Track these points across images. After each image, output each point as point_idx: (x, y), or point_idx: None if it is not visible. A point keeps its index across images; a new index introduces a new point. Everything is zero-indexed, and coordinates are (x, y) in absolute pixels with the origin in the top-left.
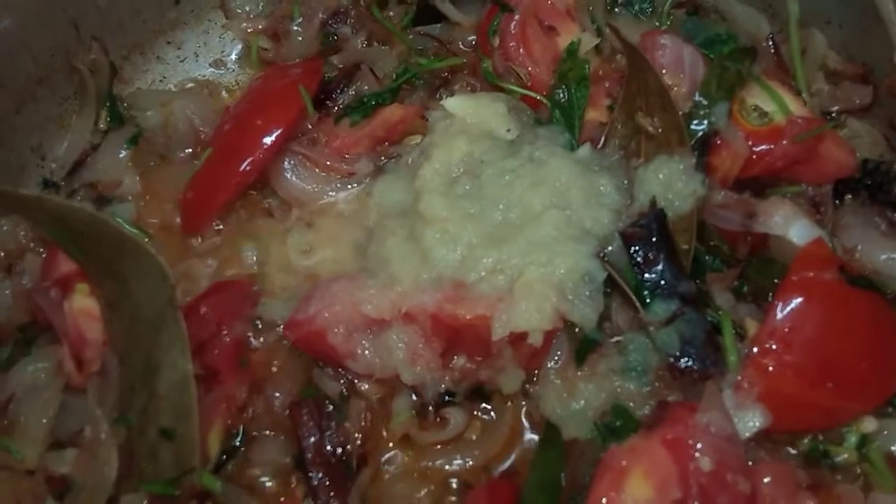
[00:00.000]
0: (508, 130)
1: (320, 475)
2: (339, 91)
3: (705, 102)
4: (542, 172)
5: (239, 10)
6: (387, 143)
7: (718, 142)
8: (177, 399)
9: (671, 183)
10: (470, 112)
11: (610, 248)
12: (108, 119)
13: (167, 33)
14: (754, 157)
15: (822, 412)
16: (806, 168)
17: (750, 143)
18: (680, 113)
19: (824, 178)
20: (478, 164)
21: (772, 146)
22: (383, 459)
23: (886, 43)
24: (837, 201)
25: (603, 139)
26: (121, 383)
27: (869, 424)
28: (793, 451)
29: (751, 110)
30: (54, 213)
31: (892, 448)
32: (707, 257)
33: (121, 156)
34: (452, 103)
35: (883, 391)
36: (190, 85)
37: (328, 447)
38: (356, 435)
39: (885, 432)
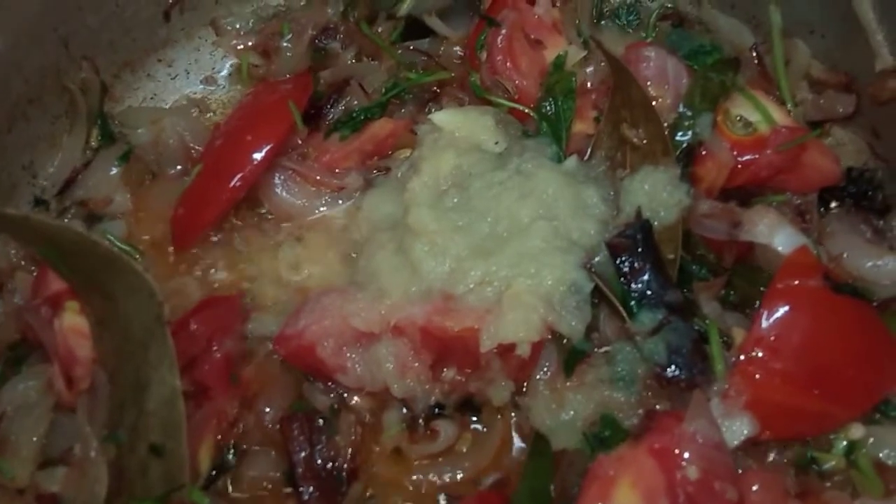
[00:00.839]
0: (496, 143)
1: (311, 489)
2: (328, 106)
3: (689, 113)
4: (529, 184)
5: (229, 28)
6: (376, 158)
7: (703, 152)
8: (166, 415)
9: (656, 193)
10: (458, 125)
11: (597, 258)
12: (100, 137)
13: (158, 51)
14: (739, 166)
15: (810, 419)
16: (791, 177)
17: (735, 152)
18: (664, 124)
19: (809, 186)
20: (466, 176)
21: (756, 156)
22: (374, 473)
23: (868, 52)
24: (822, 209)
25: (589, 151)
26: (110, 401)
27: (857, 431)
28: (781, 459)
29: (735, 120)
30: (42, 232)
31: (881, 454)
32: (693, 267)
33: (112, 173)
34: (441, 117)
35: (870, 398)
36: (181, 102)
37: (319, 461)
38: (347, 449)
39: (873, 439)
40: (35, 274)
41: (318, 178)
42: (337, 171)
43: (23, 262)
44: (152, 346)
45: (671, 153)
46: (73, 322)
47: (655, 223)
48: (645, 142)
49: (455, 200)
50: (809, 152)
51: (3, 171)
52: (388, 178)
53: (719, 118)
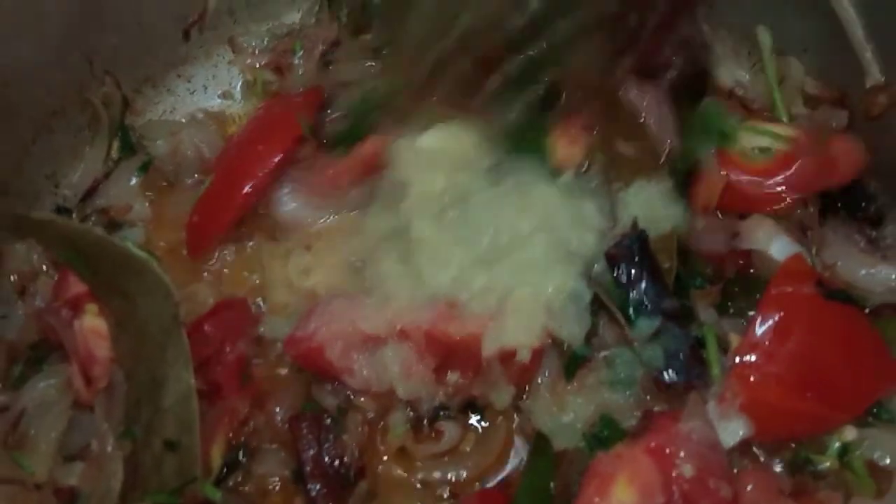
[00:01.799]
0: (482, 158)
1: (319, 487)
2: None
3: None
4: (527, 199)
5: (245, 45)
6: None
7: (700, 172)
8: (181, 412)
9: (651, 205)
10: (445, 145)
11: (596, 268)
12: (121, 148)
13: (178, 67)
14: (781, 187)
15: (804, 421)
16: (831, 172)
17: (770, 180)
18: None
19: (848, 175)
20: (465, 192)
21: (792, 169)
22: (380, 471)
23: (859, 68)
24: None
25: (585, 166)
26: (127, 398)
27: (850, 433)
28: (776, 460)
29: (752, 152)
30: (64, 234)
31: (874, 456)
32: (690, 277)
33: (131, 183)
34: (428, 141)
35: (862, 401)
36: (199, 116)
37: (326, 459)
38: (354, 448)
39: (866, 441)
40: (56, 278)
41: (324, 188)
42: (342, 182)
43: (44, 267)
44: (169, 346)
45: (662, 167)
46: (92, 323)
47: (651, 234)
48: (637, 155)
49: (456, 214)
50: (835, 144)
51: (27, 181)
52: (390, 191)
53: (736, 157)
